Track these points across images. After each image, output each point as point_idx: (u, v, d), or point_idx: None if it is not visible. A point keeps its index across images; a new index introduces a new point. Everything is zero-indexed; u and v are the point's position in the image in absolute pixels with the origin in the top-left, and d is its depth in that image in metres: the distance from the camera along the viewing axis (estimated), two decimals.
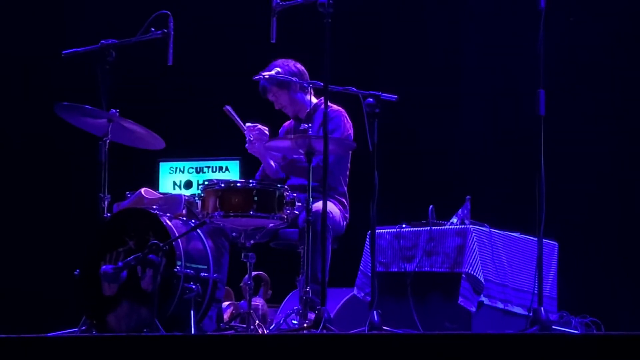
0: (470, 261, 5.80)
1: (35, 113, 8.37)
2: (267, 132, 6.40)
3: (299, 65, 6.55)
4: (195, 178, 8.04)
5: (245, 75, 6.56)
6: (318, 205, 5.80)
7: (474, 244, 5.83)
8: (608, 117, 7.51)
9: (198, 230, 5.90)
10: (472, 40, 7.96)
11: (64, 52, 6.42)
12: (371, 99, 5.69)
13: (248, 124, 6.40)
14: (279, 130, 6.78)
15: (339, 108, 6.49)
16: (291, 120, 6.76)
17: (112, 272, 5.54)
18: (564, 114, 7.10)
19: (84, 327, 5.88)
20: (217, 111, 6.46)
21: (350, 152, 6.43)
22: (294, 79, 6.41)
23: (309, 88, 6.39)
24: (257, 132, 6.38)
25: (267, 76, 6.39)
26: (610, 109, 7.52)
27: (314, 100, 6.56)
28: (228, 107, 6.38)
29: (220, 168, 8.00)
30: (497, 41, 7.82)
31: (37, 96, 8.44)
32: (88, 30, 7.66)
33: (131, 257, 5.54)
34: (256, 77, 6.44)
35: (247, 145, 6.44)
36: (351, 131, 6.46)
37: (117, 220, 5.94)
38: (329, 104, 6.40)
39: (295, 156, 6.35)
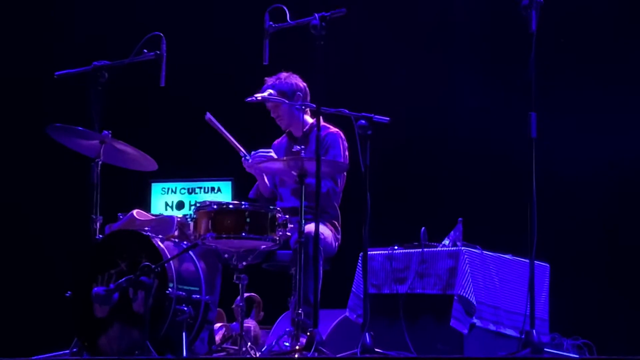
0: (463, 283, 5.79)
1: (27, 134, 8.36)
2: (272, 155, 6.37)
3: (304, 84, 6.57)
4: (187, 199, 8.03)
5: (238, 96, 6.56)
6: (310, 227, 5.80)
7: (466, 266, 5.82)
8: (600, 139, 7.52)
9: (190, 252, 5.89)
10: (464, 63, 7.98)
11: (56, 73, 6.43)
12: (363, 121, 5.69)
13: (254, 152, 6.38)
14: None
15: (337, 130, 6.49)
16: (282, 138, 6.75)
17: (104, 293, 5.52)
18: (555, 136, 7.11)
19: (75, 349, 5.87)
20: (209, 132, 6.46)
21: (345, 173, 6.45)
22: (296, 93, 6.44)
23: (303, 108, 6.43)
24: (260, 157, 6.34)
25: (264, 95, 6.41)
26: (602, 131, 7.53)
27: (310, 120, 6.57)
28: (209, 116, 6.35)
29: (213, 189, 7.99)
30: (489, 63, 7.84)
31: (30, 117, 8.43)
32: (80, 52, 7.66)
33: (123, 279, 5.52)
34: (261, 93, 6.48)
35: (243, 161, 6.42)
36: (347, 153, 6.47)
37: (109, 242, 5.93)
38: (327, 125, 6.43)
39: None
